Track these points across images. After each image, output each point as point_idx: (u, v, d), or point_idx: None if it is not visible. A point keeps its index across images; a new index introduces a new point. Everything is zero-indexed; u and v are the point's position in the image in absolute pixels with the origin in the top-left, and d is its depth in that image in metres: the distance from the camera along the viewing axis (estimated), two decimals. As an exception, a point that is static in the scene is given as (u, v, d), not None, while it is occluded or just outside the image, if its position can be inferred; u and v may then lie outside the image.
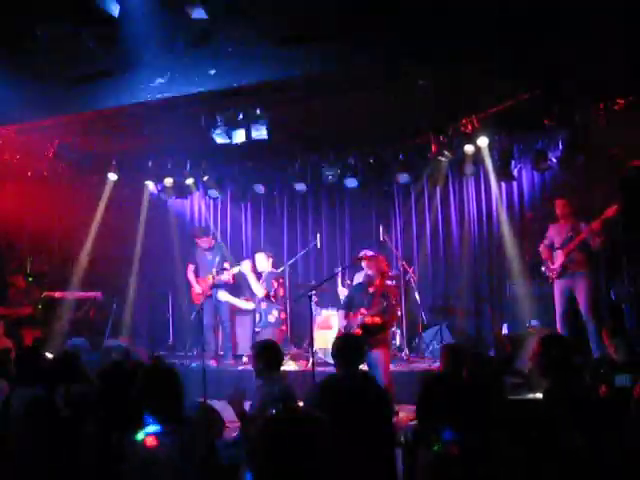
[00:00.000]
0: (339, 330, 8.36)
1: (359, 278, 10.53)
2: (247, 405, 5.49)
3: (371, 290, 8.21)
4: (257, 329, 9.17)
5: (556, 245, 9.26)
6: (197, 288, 11.07)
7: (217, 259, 10.95)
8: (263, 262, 9.49)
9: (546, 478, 3.61)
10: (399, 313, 9.49)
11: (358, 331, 7.89)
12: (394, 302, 8.32)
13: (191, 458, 3.45)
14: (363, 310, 8.04)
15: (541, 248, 9.45)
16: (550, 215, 9.61)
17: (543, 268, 9.37)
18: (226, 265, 10.76)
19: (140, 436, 3.48)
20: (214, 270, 10.66)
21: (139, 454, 3.45)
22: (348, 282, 10.93)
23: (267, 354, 5.76)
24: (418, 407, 3.68)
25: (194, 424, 3.71)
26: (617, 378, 5.62)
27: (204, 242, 11.19)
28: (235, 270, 10.57)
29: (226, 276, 10.66)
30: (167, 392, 3.71)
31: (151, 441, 3.46)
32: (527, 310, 9.86)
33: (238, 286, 10.94)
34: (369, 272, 8.41)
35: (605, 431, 3.95)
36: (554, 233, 9.39)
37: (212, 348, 10.82)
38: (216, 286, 10.70)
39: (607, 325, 7.66)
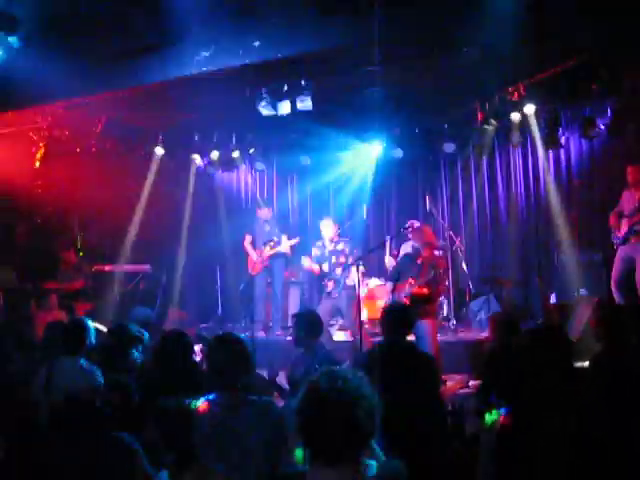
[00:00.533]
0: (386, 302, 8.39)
1: (406, 248, 10.51)
2: (282, 376, 5.65)
3: (419, 261, 8.21)
4: (334, 295, 9.14)
5: (625, 212, 9.10)
6: (254, 257, 11.09)
7: (276, 231, 11.01)
8: (329, 229, 9.41)
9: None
10: (446, 283, 9.46)
11: (405, 301, 7.90)
12: (441, 272, 8.30)
13: (245, 424, 3.52)
14: (411, 280, 8.05)
15: (611, 215, 9.28)
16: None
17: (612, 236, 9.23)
18: (283, 238, 10.86)
19: (196, 403, 3.58)
20: (273, 241, 10.75)
21: (192, 419, 3.55)
22: (395, 252, 10.92)
23: (307, 322, 5.86)
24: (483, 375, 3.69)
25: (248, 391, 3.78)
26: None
27: (264, 213, 11.24)
28: (293, 241, 10.65)
29: (284, 247, 10.74)
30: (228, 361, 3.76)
31: (203, 407, 3.55)
32: (575, 279, 9.76)
33: (295, 258, 11.03)
34: (415, 244, 8.40)
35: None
36: (625, 200, 9.13)
37: (262, 319, 10.91)
38: (273, 257, 10.81)
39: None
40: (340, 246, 9.28)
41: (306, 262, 9.55)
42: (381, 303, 9.34)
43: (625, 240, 8.92)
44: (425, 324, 7.78)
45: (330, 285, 9.13)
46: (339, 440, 2.38)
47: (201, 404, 3.56)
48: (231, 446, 3.41)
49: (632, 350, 4.75)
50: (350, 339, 9.50)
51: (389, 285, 8.39)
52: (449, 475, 3.73)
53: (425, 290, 7.95)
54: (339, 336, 10.09)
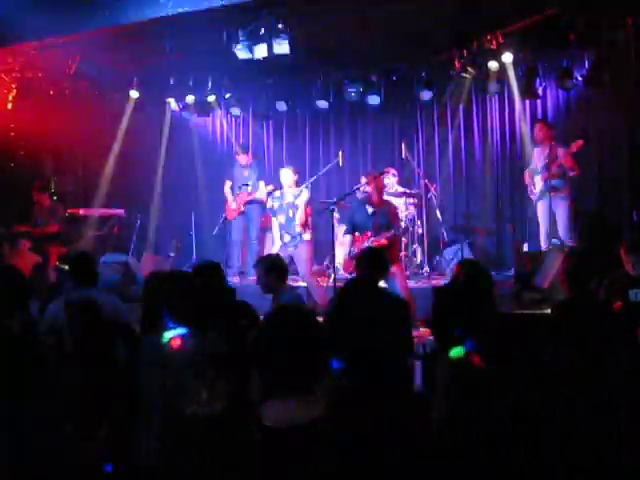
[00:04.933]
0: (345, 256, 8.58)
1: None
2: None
3: (370, 210, 8.28)
4: (290, 248, 8.98)
5: (538, 169, 9.54)
6: (233, 204, 11.05)
7: (253, 177, 10.97)
8: (289, 177, 9.23)
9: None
10: (403, 226, 9.44)
11: None
12: (396, 219, 8.38)
13: (215, 356, 3.57)
14: (369, 234, 8.13)
15: (526, 172, 9.87)
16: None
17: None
18: (261, 184, 10.84)
19: (166, 338, 3.61)
20: (249, 187, 10.73)
21: (163, 354, 3.59)
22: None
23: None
24: (433, 314, 3.76)
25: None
26: (631, 292, 5.70)
27: (242, 159, 11.18)
28: (270, 188, 10.62)
29: (261, 193, 10.73)
30: (188, 295, 3.81)
31: (176, 342, 3.59)
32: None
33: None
34: (367, 189, 8.45)
35: (611, 351, 4.01)
36: (536, 157, 9.67)
37: (236, 264, 10.94)
38: (250, 202, 10.81)
39: (626, 240, 7.68)
40: (302, 198, 9.01)
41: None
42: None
43: (542, 195, 9.41)
44: (393, 270, 7.89)
45: (287, 237, 9.03)
46: (292, 373, 2.44)
47: (173, 340, 3.60)
48: (205, 369, 3.45)
49: (593, 297, 4.87)
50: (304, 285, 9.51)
51: (347, 240, 8.51)
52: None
53: (383, 241, 8.06)
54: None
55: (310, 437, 2.39)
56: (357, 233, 8.44)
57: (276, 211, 9.08)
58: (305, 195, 9.02)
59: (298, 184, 9.24)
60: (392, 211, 8.51)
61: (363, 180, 8.85)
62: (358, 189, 9.43)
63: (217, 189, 11.55)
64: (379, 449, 2.55)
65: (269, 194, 10.60)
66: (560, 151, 9.20)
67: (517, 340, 4.28)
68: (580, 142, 8.95)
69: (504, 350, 4.07)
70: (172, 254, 11.61)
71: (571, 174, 9.22)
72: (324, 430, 2.40)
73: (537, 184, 9.53)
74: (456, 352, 3.40)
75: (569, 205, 9.35)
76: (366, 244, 8.11)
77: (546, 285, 8.04)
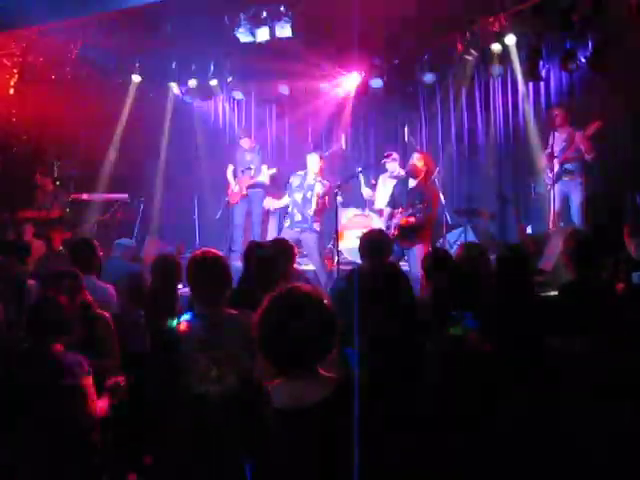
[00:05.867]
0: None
1: (384, 179, 10.57)
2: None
3: (411, 184, 8.28)
4: (296, 229, 8.97)
5: (555, 153, 9.46)
6: (235, 187, 11.04)
7: (256, 161, 10.94)
8: (315, 163, 9.08)
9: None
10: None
11: (394, 232, 8.01)
12: (429, 201, 8.26)
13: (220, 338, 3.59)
14: (401, 210, 8.11)
15: (544, 156, 9.78)
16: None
17: None
18: (263, 168, 10.81)
19: (174, 323, 3.63)
20: (252, 170, 10.72)
21: (170, 338, 3.62)
22: (373, 182, 10.94)
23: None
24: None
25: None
26: (634, 275, 5.69)
27: (246, 143, 11.15)
28: (273, 172, 10.61)
29: (264, 177, 10.72)
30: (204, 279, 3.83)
31: (183, 327, 3.62)
32: (552, 211, 9.85)
33: (275, 188, 11.01)
34: (419, 164, 8.37)
35: (611, 333, 4.02)
36: (554, 142, 9.52)
37: (239, 248, 10.92)
38: (252, 186, 10.79)
39: (629, 223, 7.67)
40: (318, 187, 8.98)
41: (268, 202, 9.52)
42: (358, 232, 9.31)
43: (558, 179, 9.37)
44: (415, 250, 7.92)
45: (298, 216, 9.00)
46: (299, 356, 2.47)
47: (181, 324, 3.62)
48: (213, 349, 3.47)
49: (599, 279, 4.87)
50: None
51: (387, 212, 8.46)
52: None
53: (412, 219, 8.01)
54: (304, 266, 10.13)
55: (315, 418, 2.40)
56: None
57: (294, 189, 9.05)
58: (326, 186, 8.99)
59: (323, 171, 9.18)
60: (429, 193, 8.31)
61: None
62: (382, 164, 9.71)
63: (220, 173, 11.54)
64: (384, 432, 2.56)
65: (272, 177, 10.60)
66: (578, 135, 9.17)
67: (518, 322, 4.30)
68: (597, 124, 8.92)
69: (505, 332, 4.09)
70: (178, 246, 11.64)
71: (587, 157, 9.17)
72: (330, 411, 2.42)
73: (554, 167, 9.47)
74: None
75: (584, 191, 9.34)
76: (395, 220, 8.12)
77: (549, 268, 8.03)
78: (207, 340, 3.49)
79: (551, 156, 9.51)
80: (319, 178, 9.00)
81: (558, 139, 9.48)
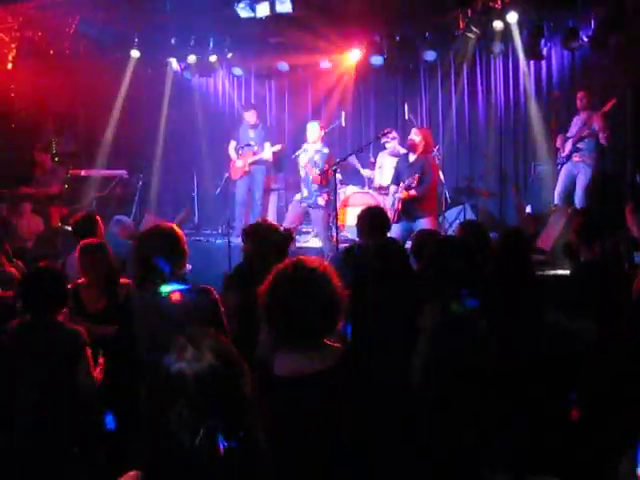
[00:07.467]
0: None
1: (383, 157, 10.53)
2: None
3: (411, 159, 8.27)
4: (303, 204, 9.03)
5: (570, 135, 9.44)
6: (238, 162, 10.85)
7: (259, 138, 10.83)
8: (315, 132, 9.05)
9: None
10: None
11: (398, 207, 8.04)
12: (429, 172, 8.21)
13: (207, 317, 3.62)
14: (401, 184, 8.11)
15: (558, 136, 9.65)
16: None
17: None
18: (266, 145, 10.72)
19: (165, 290, 3.63)
20: (255, 147, 10.65)
21: (162, 305, 3.65)
22: (372, 160, 10.91)
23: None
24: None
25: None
26: (637, 255, 5.69)
27: (249, 116, 10.86)
28: (276, 148, 10.56)
29: (267, 154, 10.66)
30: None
31: (176, 297, 3.63)
32: (552, 191, 9.82)
33: (277, 165, 10.98)
34: (416, 140, 8.33)
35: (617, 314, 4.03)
36: (574, 124, 9.51)
37: (240, 225, 10.87)
38: (255, 163, 10.74)
39: (631, 204, 7.66)
40: (317, 157, 8.96)
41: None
42: (356, 210, 9.29)
43: (569, 157, 9.34)
44: (421, 223, 7.94)
45: (305, 192, 9.01)
46: (303, 325, 2.46)
47: (173, 294, 3.63)
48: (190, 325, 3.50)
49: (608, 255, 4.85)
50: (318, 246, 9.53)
51: (392, 188, 8.44)
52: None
53: (413, 193, 8.01)
54: (314, 242, 10.13)
55: (315, 387, 2.42)
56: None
57: (301, 165, 9.15)
58: (325, 153, 8.98)
59: (324, 140, 9.17)
60: (428, 164, 8.27)
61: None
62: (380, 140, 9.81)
63: (219, 149, 11.49)
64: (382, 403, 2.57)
65: (275, 154, 10.57)
66: (595, 115, 9.12)
67: (520, 301, 4.31)
68: (612, 102, 8.90)
69: (504, 309, 4.10)
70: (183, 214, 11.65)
71: (601, 137, 9.08)
72: (332, 380, 2.43)
73: (567, 147, 9.43)
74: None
75: (592, 174, 9.26)
76: (397, 195, 8.12)
77: (549, 247, 8.03)
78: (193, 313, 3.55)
79: (567, 138, 9.47)
80: (320, 145, 9.02)
81: (577, 121, 9.44)
